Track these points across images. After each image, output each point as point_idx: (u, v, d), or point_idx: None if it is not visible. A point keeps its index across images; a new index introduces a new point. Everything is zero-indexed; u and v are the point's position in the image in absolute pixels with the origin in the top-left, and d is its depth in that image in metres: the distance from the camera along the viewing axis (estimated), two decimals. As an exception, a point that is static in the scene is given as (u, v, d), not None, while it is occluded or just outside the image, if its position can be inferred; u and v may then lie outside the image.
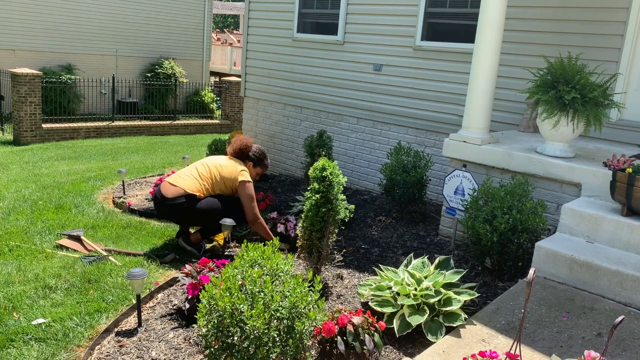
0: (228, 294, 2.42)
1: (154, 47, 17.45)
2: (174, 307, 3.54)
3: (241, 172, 4.57)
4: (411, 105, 6.56)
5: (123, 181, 6.45)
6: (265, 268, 2.62)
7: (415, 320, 3.08)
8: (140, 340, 3.15)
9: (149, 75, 16.70)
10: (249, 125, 8.81)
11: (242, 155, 4.78)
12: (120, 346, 3.09)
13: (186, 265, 3.71)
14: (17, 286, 3.80)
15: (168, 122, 14.50)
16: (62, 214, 5.57)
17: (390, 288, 3.39)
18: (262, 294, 2.44)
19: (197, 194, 4.44)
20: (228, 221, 4.33)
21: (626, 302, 3.30)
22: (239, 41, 24.17)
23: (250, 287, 2.47)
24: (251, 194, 4.52)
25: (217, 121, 15.44)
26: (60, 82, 14.06)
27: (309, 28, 7.79)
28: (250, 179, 4.57)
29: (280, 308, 2.43)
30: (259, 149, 4.90)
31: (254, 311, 2.35)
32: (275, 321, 2.44)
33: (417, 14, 6.37)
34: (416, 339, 3.14)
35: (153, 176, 7.41)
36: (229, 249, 4.62)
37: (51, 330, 3.24)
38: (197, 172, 4.56)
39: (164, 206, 4.50)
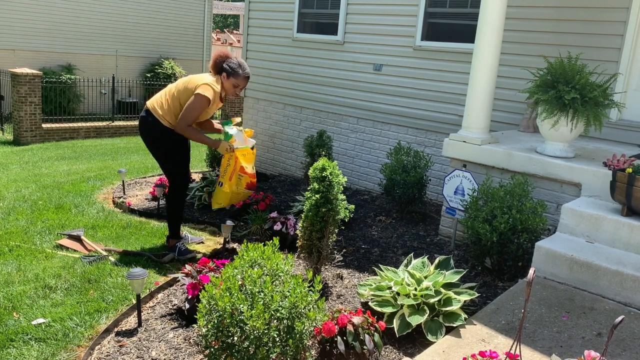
0: (228, 294, 2.42)
1: (154, 47, 17.45)
2: (174, 307, 3.54)
3: (204, 84, 4.19)
4: (411, 105, 6.56)
5: (123, 181, 6.46)
6: (265, 268, 2.62)
7: (415, 320, 3.08)
8: (140, 340, 3.15)
9: (149, 75, 16.70)
10: (249, 125, 8.81)
11: (216, 67, 4.35)
12: (120, 346, 3.09)
13: (186, 265, 3.71)
14: (17, 286, 3.80)
15: (168, 122, 14.49)
16: (62, 214, 5.57)
17: (390, 288, 3.39)
18: (262, 294, 2.44)
19: (158, 110, 4.24)
20: (228, 222, 4.33)
21: (626, 302, 3.30)
22: (239, 41, 24.17)
23: (250, 287, 2.47)
24: (195, 105, 4.13)
25: (216, 121, 15.41)
26: (60, 82, 14.06)
27: (309, 28, 7.79)
28: (207, 94, 4.15)
29: (280, 308, 2.43)
30: (237, 59, 4.36)
31: (254, 311, 2.35)
32: (275, 321, 2.44)
33: (417, 14, 6.37)
34: (416, 339, 3.14)
35: (153, 176, 7.41)
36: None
37: (51, 330, 3.24)
38: (162, 92, 4.38)
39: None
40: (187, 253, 4.39)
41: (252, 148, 4.55)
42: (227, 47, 22.54)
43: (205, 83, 4.19)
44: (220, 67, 4.30)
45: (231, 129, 4.47)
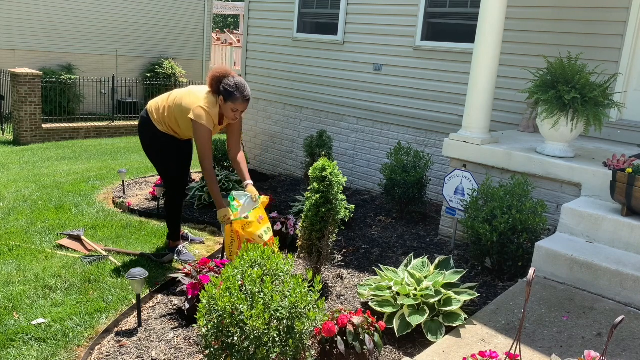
0: (228, 294, 2.42)
1: (154, 47, 17.45)
2: (174, 307, 3.55)
3: (197, 107, 3.84)
4: (411, 105, 6.56)
5: (123, 181, 6.46)
6: (265, 268, 2.62)
7: (415, 320, 3.08)
8: (140, 340, 3.15)
9: (149, 75, 16.70)
10: (249, 125, 8.81)
11: (213, 87, 3.96)
12: (120, 346, 3.09)
13: (186, 265, 3.71)
14: (17, 286, 3.80)
15: (168, 122, 14.49)
16: (62, 214, 5.57)
17: (390, 288, 3.39)
18: (262, 294, 2.44)
19: (154, 114, 4.11)
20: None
21: (626, 302, 3.30)
22: (239, 41, 24.15)
23: (250, 287, 2.47)
24: (201, 136, 3.84)
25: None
26: (60, 82, 14.05)
27: (309, 28, 7.79)
28: (201, 120, 3.83)
29: (280, 308, 2.43)
30: (234, 80, 3.91)
31: (253, 311, 2.35)
32: (275, 321, 2.43)
33: (417, 14, 6.37)
34: (416, 339, 3.14)
35: (153, 176, 7.41)
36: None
37: (51, 330, 3.24)
38: (166, 94, 4.24)
39: None
40: (187, 257, 4.36)
41: (245, 217, 3.81)
42: (227, 47, 22.53)
43: (199, 106, 3.87)
44: (216, 88, 3.94)
45: (237, 201, 3.88)
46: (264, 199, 4.00)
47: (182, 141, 4.27)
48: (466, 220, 4.10)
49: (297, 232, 3.77)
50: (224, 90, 3.88)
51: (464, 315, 3.11)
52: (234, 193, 3.94)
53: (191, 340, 3.14)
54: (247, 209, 3.86)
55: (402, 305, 3.21)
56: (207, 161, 3.89)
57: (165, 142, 4.19)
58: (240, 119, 4.16)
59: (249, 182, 4.08)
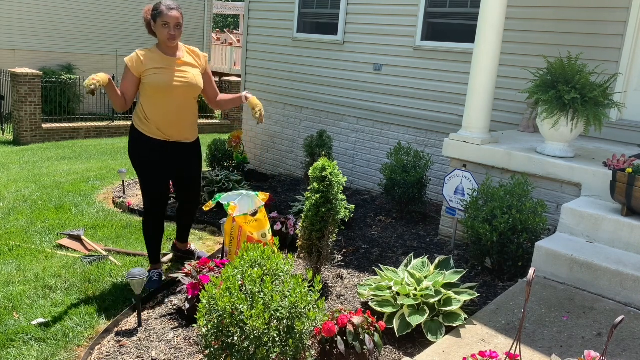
0: (228, 294, 2.42)
1: (154, 47, 17.46)
2: (174, 307, 3.55)
3: None
4: (411, 105, 6.56)
5: (123, 181, 6.46)
6: (265, 268, 2.62)
7: (415, 320, 3.08)
8: (140, 340, 3.15)
9: (149, 75, 16.71)
10: (248, 125, 8.81)
11: (148, 25, 3.82)
12: (120, 346, 3.09)
13: (186, 265, 3.71)
14: (17, 286, 3.80)
15: (168, 122, 14.48)
16: (62, 213, 5.57)
17: (390, 288, 3.39)
18: (262, 294, 2.44)
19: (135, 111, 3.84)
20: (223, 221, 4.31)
21: (626, 302, 3.30)
22: (239, 41, 24.16)
23: (250, 287, 2.47)
24: (122, 77, 3.69)
25: (217, 121, 15.43)
26: (60, 82, 14.06)
27: (309, 28, 7.79)
28: (127, 60, 3.65)
29: (280, 308, 2.43)
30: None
31: (254, 311, 2.35)
32: (275, 321, 2.43)
33: (417, 14, 6.37)
34: (416, 339, 3.14)
35: (153, 176, 7.40)
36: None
37: (51, 330, 3.24)
38: None
39: None
40: (155, 284, 3.83)
41: (253, 214, 3.77)
42: (227, 47, 22.52)
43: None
44: (149, 22, 3.78)
45: (231, 207, 3.69)
46: (263, 195, 3.96)
47: (171, 159, 3.82)
48: (466, 220, 4.10)
49: (297, 232, 3.77)
50: (151, 16, 3.74)
51: (464, 315, 3.11)
52: (223, 199, 3.78)
53: (191, 340, 3.14)
54: (245, 205, 3.81)
55: (402, 305, 3.21)
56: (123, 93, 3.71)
57: (133, 146, 3.75)
58: (209, 73, 3.96)
59: (244, 93, 3.93)
